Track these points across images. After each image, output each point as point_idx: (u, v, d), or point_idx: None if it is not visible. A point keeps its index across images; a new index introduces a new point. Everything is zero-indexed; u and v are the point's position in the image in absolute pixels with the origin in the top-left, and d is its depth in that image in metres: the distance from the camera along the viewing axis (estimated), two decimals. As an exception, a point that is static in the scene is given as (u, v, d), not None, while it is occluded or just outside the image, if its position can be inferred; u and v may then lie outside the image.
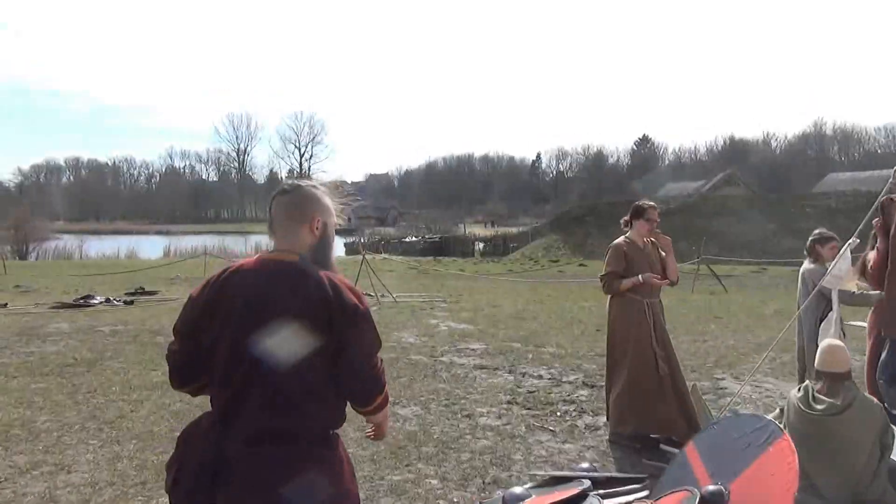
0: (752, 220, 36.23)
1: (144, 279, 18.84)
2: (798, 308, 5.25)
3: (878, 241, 4.82)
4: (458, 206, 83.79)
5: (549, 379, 7.10)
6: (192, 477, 1.88)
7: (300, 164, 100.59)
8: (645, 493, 3.58)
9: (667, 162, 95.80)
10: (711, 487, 3.00)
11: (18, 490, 4.07)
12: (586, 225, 40.25)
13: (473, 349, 8.73)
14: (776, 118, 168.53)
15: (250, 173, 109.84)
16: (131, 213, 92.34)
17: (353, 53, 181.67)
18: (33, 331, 9.89)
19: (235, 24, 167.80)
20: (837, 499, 3.37)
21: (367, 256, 17.31)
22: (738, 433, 3.14)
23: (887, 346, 4.67)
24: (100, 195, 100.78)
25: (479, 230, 60.87)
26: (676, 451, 4.49)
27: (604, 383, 7.00)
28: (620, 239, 5.18)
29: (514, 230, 52.08)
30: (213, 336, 1.93)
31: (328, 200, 2.11)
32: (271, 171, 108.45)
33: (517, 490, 3.51)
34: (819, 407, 3.73)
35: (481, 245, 47.47)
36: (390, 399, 2.36)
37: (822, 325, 4.88)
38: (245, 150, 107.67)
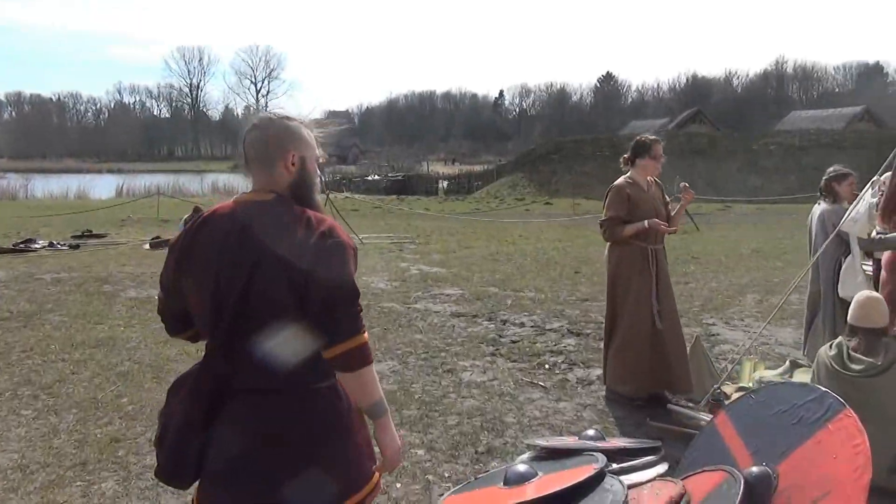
0: (716, 158, 36.15)
1: (94, 221, 17.71)
2: (811, 253, 4.84)
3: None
4: (420, 144, 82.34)
5: (532, 327, 6.68)
6: (177, 431, 1.81)
7: (257, 100, 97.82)
8: (663, 466, 3.15)
9: (630, 100, 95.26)
10: (755, 469, 2.56)
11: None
12: (552, 163, 39.69)
13: (448, 294, 8.24)
14: (738, 56, 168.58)
15: (204, 109, 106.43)
16: (80, 151, 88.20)
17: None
18: (-34, 279, 9.01)
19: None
20: (879, 468, 2.99)
21: (329, 196, 16.58)
22: (784, 405, 2.68)
23: None
24: (45, 132, 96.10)
25: (442, 168, 59.78)
26: (688, 412, 4.10)
27: (589, 331, 6.70)
28: (621, 179, 4.63)
29: (478, 168, 51.21)
30: (192, 284, 1.83)
31: (306, 133, 1.90)
32: (226, 107, 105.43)
33: (520, 468, 3.04)
34: (856, 367, 3.34)
35: (445, 183, 46.53)
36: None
37: (845, 271, 4.46)
38: (198, 85, 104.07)
